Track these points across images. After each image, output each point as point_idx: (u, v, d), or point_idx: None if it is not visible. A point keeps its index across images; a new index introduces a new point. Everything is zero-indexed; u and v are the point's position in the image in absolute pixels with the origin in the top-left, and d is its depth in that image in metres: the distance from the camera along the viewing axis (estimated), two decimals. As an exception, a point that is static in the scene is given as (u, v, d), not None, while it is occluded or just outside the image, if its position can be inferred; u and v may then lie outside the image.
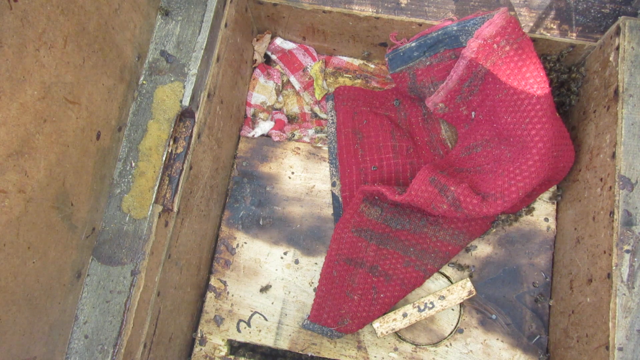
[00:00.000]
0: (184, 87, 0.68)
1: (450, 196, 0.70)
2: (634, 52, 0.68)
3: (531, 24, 0.75)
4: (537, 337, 0.76)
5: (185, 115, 0.69)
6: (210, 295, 0.81)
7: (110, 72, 0.62)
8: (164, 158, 0.66)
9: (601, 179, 0.68)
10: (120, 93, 0.65)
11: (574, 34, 0.75)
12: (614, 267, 0.62)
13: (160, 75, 0.69)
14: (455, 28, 0.74)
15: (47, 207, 0.54)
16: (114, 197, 0.65)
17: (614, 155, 0.66)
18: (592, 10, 0.75)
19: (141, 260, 0.62)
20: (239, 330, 0.80)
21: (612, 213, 0.64)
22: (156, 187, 0.65)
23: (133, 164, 0.66)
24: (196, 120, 0.70)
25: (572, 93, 0.80)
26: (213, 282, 0.82)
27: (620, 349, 0.59)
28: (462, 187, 0.70)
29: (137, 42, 0.67)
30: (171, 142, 0.67)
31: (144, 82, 0.69)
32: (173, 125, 0.67)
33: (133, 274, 0.62)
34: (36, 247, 0.53)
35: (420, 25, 0.78)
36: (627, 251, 0.62)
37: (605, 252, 0.64)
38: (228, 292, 0.81)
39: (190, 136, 0.69)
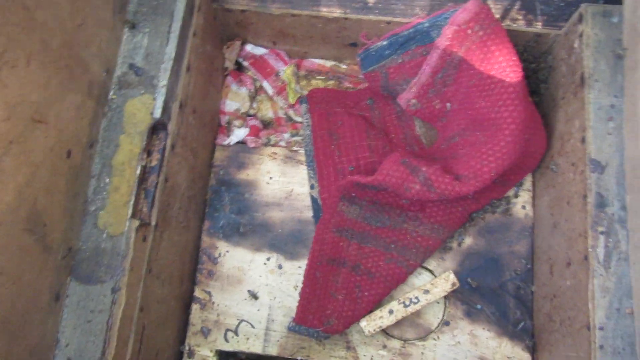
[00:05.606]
0: (154, 99, 0.68)
1: (422, 176, 0.71)
2: (597, 38, 0.69)
3: (497, 16, 0.76)
4: (522, 324, 0.77)
5: (158, 127, 0.69)
6: (195, 306, 0.81)
7: (77, 89, 0.62)
8: (138, 172, 0.65)
9: (573, 164, 0.70)
10: (89, 109, 0.64)
11: (540, 24, 0.76)
12: (590, 249, 0.63)
13: (130, 89, 0.68)
14: (426, 25, 0.74)
15: (18, 230, 0.53)
16: (89, 215, 0.64)
17: (583, 140, 0.67)
18: (555, -1, 0.76)
19: (121, 277, 0.62)
20: (226, 340, 0.79)
21: (585, 196, 0.65)
22: (132, 202, 0.64)
23: (107, 180, 0.65)
24: (169, 131, 0.69)
25: (541, 81, 0.82)
26: (197, 293, 0.81)
27: (601, 329, 0.60)
28: (433, 167, 0.71)
29: (104, 57, 0.67)
30: (145, 156, 0.67)
31: (114, 96, 0.68)
32: (145, 138, 0.67)
33: (113, 291, 0.61)
34: (8, 272, 0.52)
35: (388, 23, 0.78)
36: (602, 232, 0.63)
37: (581, 235, 0.65)
38: (213, 302, 0.81)
39: (164, 148, 0.69)
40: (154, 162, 0.68)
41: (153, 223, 0.67)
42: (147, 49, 0.70)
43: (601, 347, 0.60)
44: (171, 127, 0.69)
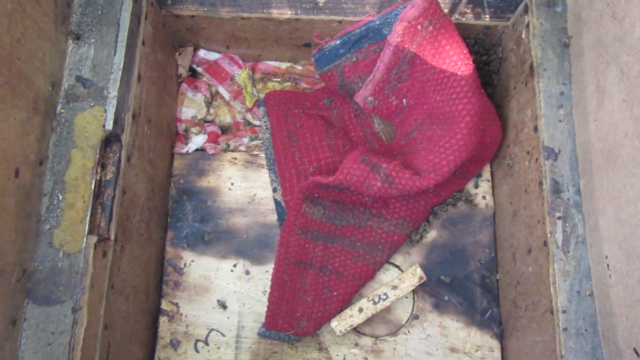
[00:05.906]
0: (105, 110, 0.66)
1: (382, 173, 0.71)
2: (542, 28, 0.71)
3: (446, 10, 0.77)
4: (489, 312, 0.78)
5: (111, 139, 0.67)
6: (163, 319, 0.79)
7: (21, 105, 0.59)
8: (92, 186, 0.63)
9: (528, 152, 0.71)
10: (36, 125, 0.62)
11: (487, 16, 0.78)
12: (548, 235, 0.64)
13: (79, 102, 0.66)
14: (378, 22, 0.75)
15: (-35, 256, 0.51)
16: (43, 234, 0.62)
17: (536, 128, 0.69)
18: (500, -9, 0.78)
19: (81, 296, 0.60)
20: (197, 351, 0.78)
21: (541, 183, 0.66)
22: (88, 218, 0.62)
23: (60, 197, 0.63)
24: (123, 143, 0.67)
25: (493, 73, 0.83)
26: (165, 305, 0.80)
27: (564, 312, 0.62)
28: (393, 164, 0.72)
29: (49, 70, 0.64)
30: (99, 169, 0.65)
31: (62, 110, 0.66)
32: (98, 151, 0.65)
33: (74, 310, 0.59)
34: (-41, 299, 0.50)
35: (340, 22, 0.78)
36: (559, 218, 0.64)
37: (539, 222, 0.67)
38: (181, 314, 0.79)
39: (119, 160, 0.67)
40: (109, 176, 0.66)
41: (112, 237, 0.65)
42: (94, 60, 0.68)
43: (565, 329, 0.61)
44: (125, 138, 0.68)
